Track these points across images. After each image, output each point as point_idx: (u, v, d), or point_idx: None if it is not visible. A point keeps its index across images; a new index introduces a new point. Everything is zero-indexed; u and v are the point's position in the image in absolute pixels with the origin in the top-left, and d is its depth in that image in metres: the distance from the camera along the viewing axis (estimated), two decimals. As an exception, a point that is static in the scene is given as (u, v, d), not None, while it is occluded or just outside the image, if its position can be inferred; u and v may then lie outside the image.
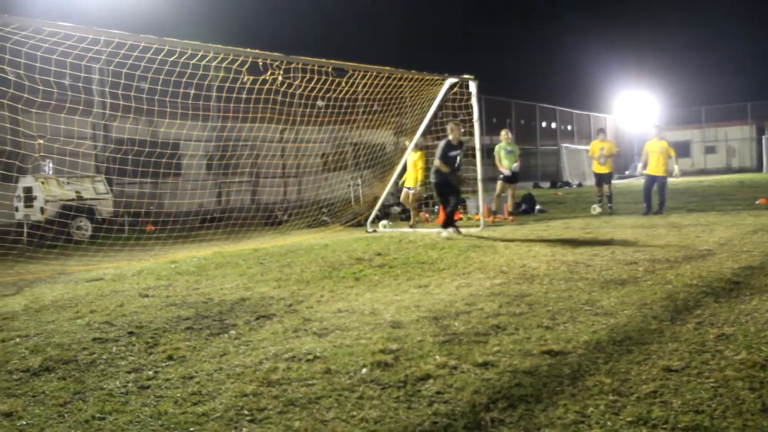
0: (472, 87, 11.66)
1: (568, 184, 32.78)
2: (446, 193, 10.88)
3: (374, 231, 12.15)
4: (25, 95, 7.94)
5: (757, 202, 15.27)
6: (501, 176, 13.91)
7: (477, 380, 3.67)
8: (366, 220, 12.92)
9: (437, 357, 4.09)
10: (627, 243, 8.92)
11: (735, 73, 70.55)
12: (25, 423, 3.26)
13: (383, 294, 6.19)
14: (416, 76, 11.45)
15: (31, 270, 8.85)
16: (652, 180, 13.33)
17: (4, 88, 7.74)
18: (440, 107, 12.12)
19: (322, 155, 17.39)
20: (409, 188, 12.94)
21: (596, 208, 14.23)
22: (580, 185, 32.56)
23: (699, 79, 64.68)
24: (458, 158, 10.76)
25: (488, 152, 14.99)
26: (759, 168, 41.41)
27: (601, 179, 14.41)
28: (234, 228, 12.61)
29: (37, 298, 6.75)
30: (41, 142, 10.14)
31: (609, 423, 3.05)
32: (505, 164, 13.89)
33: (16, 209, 13.37)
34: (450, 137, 10.77)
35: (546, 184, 32.23)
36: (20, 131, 10.24)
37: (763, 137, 41.60)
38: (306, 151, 17.86)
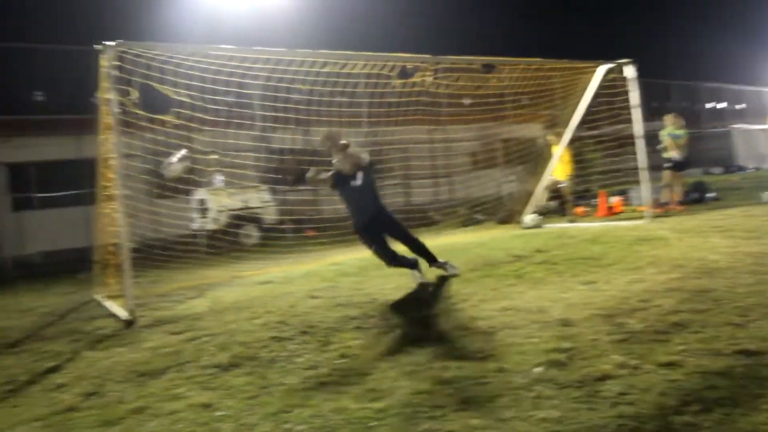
0: (629, 72, 11.01)
1: (742, 168, 29.96)
2: (375, 233, 6.91)
3: (534, 227, 11.87)
4: (198, 114, 8.64)
5: None
6: (667, 164, 12.99)
7: (662, 381, 3.44)
8: (521, 216, 12.64)
9: (615, 356, 3.88)
10: (822, 230, 7.96)
11: None
12: (221, 414, 3.52)
13: (548, 291, 6.00)
14: (567, 66, 11.02)
15: (209, 275, 9.60)
16: None
17: (180, 110, 8.47)
18: (595, 95, 11.58)
19: (472, 153, 17.28)
20: (559, 182, 12.53)
21: (766, 196, 12.58)
22: (757, 169, 29.64)
23: None
24: (363, 186, 6.71)
25: (649, 139, 14.05)
26: None
27: None
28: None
29: (218, 300, 7.30)
30: (215, 157, 10.98)
31: (827, 430, 2.72)
32: (672, 151, 12.95)
33: (192, 220, 14.58)
34: (338, 167, 6.75)
35: (717, 170, 29.66)
36: (195, 148, 11.17)
37: None
38: (455, 150, 17.87)
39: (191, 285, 8.71)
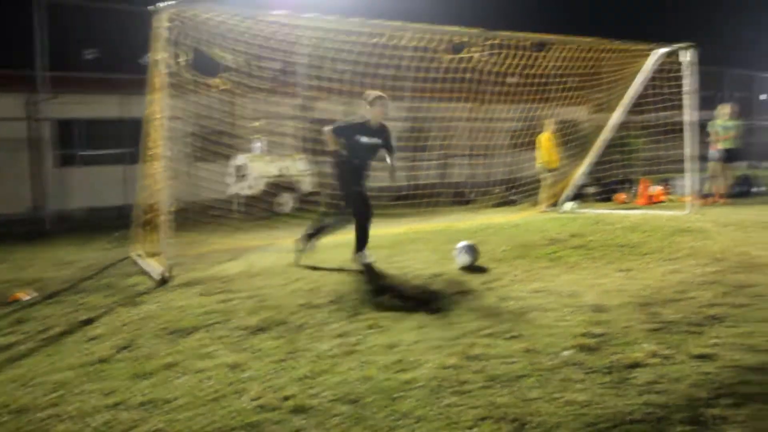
0: (687, 56, 10.67)
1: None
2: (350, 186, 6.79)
3: (571, 211, 11.73)
4: (245, 81, 8.67)
5: None
6: (715, 155, 12.63)
7: (694, 373, 3.39)
8: (558, 200, 12.46)
9: (646, 345, 3.83)
10: None
11: None
12: (248, 375, 3.58)
13: (582, 276, 5.93)
14: (623, 47, 10.71)
15: (244, 240, 9.70)
16: None
17: (228, 75, 8.50)
18: (647, 80, 11.27)
19: (513, 134, 17.05)
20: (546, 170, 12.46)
21: None
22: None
23: None
24: (378, 149, 6.86)
25: (699, 128, 13.63)
26: None
27: None
28: (424, 206, 12.82)
29: (251, 264, 7.38)
30: (258, 124, 11.03)
31: None
32: (723, 142, 12.58)
33: (231, 185, 14.71)
34: (369, 116, 6.77)
35: (768, 164, 28.61)
36: (238, 114, 11.23)
37: None
38: (495, 129, 17.63)
39: (225, 248, 8.82)
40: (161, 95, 6.84)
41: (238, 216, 11.96)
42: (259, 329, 4.50)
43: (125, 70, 17.19)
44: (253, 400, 3.20)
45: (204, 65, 8.23)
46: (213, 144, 10.13)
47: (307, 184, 14.68)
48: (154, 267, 6.97)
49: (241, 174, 14.31)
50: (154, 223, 8.15)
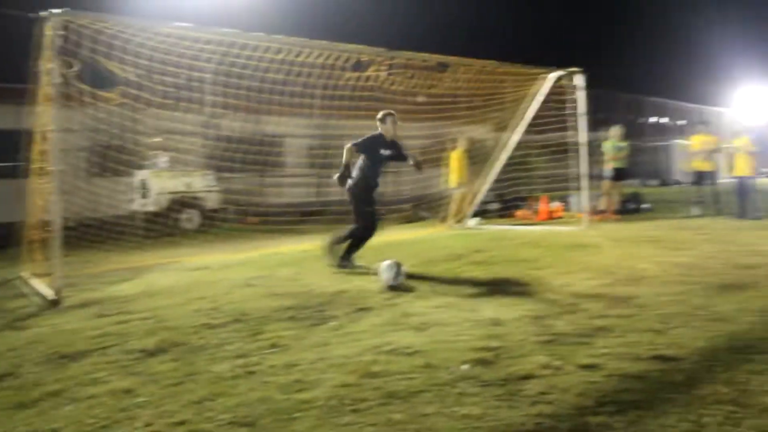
0: (579, 80, 11.28)
1: (679, 182, 31.05)
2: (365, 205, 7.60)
3: (475, 227, 12.08)
4: (144, 94, 8.40)
5: None
6: (607, 174, 13.38)
7: (582, 382, 3.55)
8: (464, 217, 12.81)
9: (540, 356, 3.98)
10: (746, 246, 8.34)
11: None
12: (142, 400, 3.44)
13: (482, 291, 6.10)
14: (520, 70, 11.21)
15: (145, 258, 9.37)
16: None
17: (126, 88, 8.22)
18: (544, 101, 11.83)
19: (421, 151, 17.39)
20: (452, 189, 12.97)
21: (696, 210, 13.20)
22: (699, 184, 30.68)
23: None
24: (390, 161, 7.83)
25: (592, 148, 14.41)
26: None
27: (703, 178, 13.43)
28: (333, 222, 12.82)
29: (151, 284, 7.14)
30: (160, 139, 10.68)
31: (728, 435, 2.86)
32: (614, 162, 13.35)
33: (131, 201, 14.18)
34: (382, 131, 7.64)
35: (654, 182, 30.65)
36: (138, 128, 10.86)
37: None
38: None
39: (125, 267, 8.50)
40: (50, 106, 6.52)
41: (138, 233, 11.52)
42: (156, 351, 4.34)
43: (21, 79, 16.18)
44: (144, 427, 3.08)
45: (100, 77, 7.93)
46: (111, 159, 9.73)
47: (211, 201, 14.36)
48: (44, 288, 6.60)
49: (142, 190, 13.83)
50: (45, 242, 7.73)
